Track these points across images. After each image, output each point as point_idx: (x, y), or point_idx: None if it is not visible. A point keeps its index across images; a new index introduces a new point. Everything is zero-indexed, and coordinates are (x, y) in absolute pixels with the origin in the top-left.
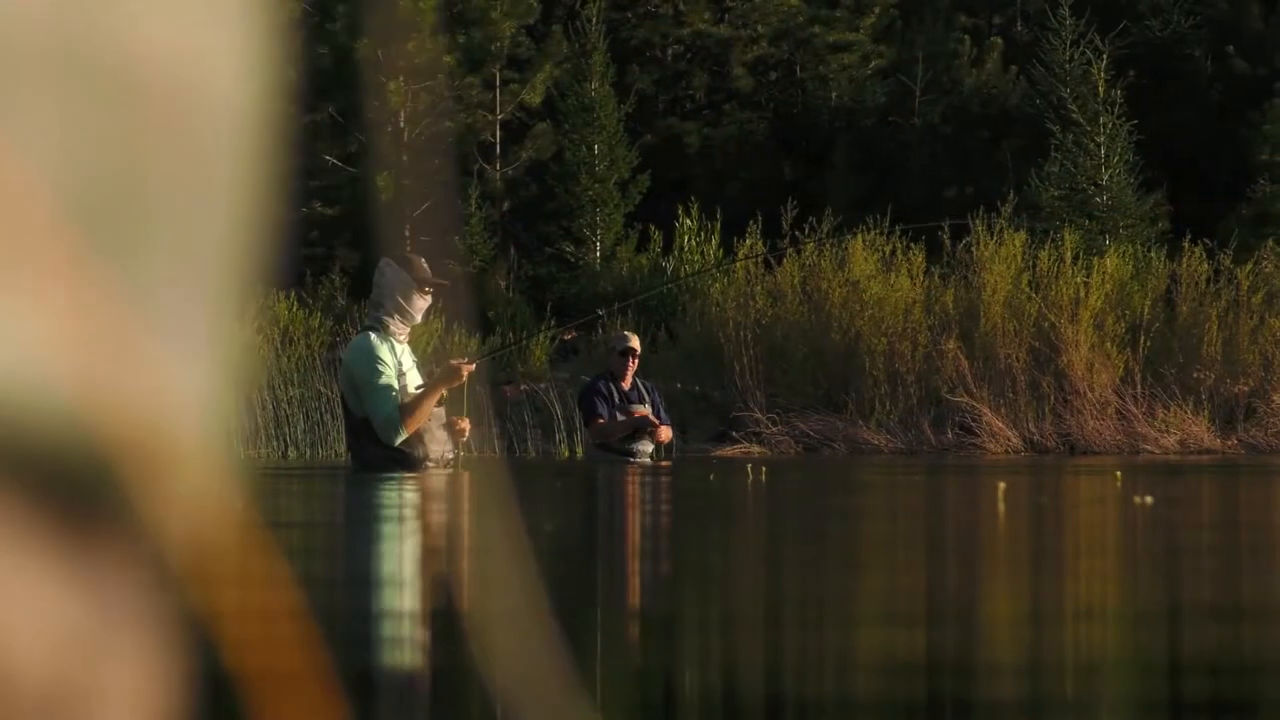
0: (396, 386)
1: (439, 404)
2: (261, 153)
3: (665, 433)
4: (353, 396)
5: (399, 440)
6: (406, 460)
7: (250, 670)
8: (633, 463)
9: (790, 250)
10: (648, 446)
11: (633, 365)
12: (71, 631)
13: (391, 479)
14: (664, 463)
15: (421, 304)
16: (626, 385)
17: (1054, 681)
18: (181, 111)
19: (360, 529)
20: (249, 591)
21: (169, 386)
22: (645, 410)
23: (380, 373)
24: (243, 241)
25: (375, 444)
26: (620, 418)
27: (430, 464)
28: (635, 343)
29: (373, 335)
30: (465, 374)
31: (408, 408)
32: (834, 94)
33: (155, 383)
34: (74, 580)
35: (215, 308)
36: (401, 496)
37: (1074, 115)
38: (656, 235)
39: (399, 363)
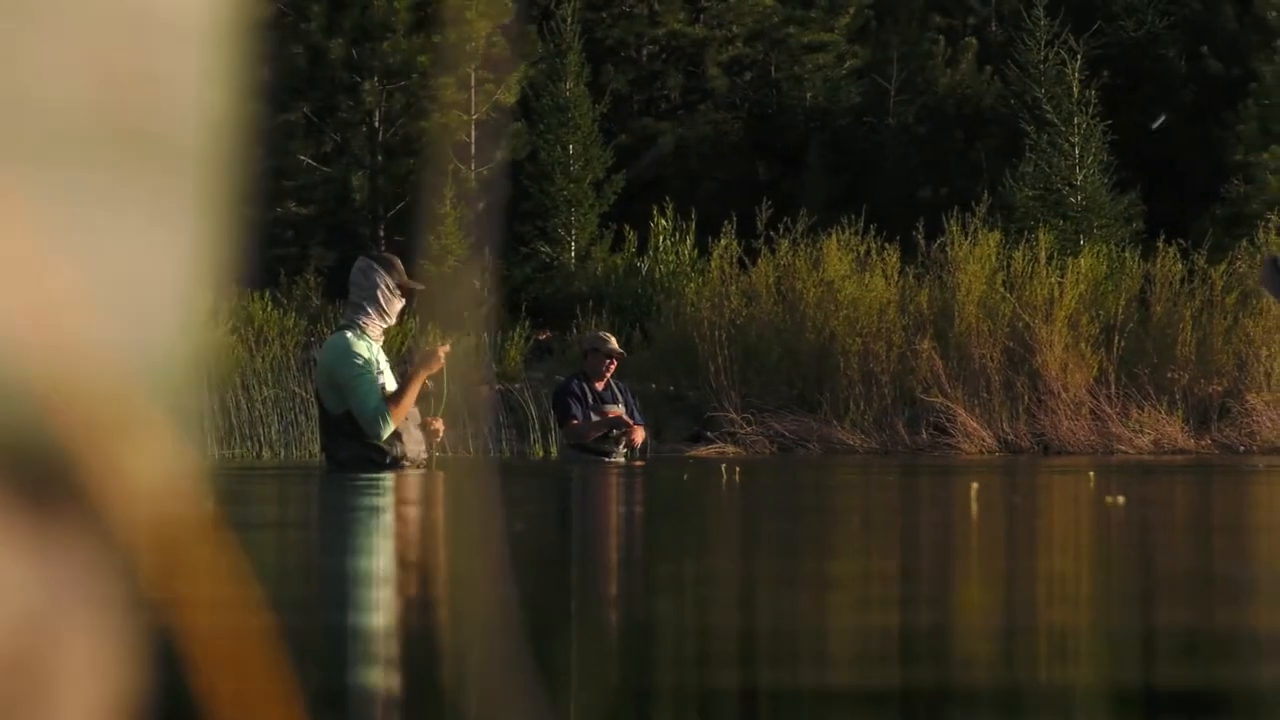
0: (378, 381)
1: (415, 402)
2: (233, 152)
3: (639, 434)
4: (331, 395)
5: (387, 433)
6: (382, 460)
7: (207, 662)
8: (607, 463)
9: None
10: (622, 446)
11: (613, 367)
12: (27, 611)
13: (367, 478)
14: (638, 463)
15: (398, 305)
16: (601, 386)
17: (1018, 689)
18: (155, 96)
19: (335, 529)
20: (206, 582)
21: (132, 363)
22: (619, 410)
23: (362, 368)
24: (215, 221)
25: (350, 443)
26: (594, 418)
27: (406, 464)
28: (616, 344)
29: (349, 333)
30: (443, 356)
31: (393, 398)
32: (809, 94)
33: (118, 360)
34: (30, 559)
35: (183, 286)
36: (377, 496)
37: (1048, 115)
38: (631, 235)
39: (376, 360)
